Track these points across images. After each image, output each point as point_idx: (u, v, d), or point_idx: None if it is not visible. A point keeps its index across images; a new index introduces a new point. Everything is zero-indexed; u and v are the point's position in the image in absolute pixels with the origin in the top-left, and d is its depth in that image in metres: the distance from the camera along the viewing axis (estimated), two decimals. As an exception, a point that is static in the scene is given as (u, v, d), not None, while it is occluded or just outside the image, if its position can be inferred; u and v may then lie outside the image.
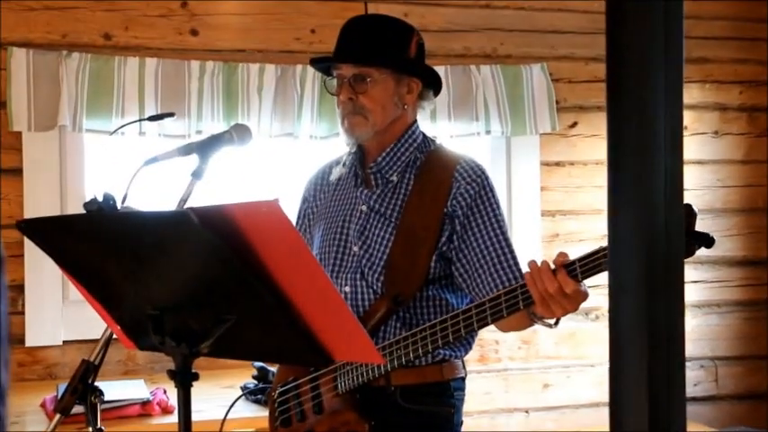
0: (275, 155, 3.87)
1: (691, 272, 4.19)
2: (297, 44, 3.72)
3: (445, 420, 2.20)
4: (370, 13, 3.74)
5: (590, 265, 1.79)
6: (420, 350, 2.01)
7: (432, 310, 2.12)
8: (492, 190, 2.18)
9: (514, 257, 2.13)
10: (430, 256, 2.12)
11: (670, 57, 0.80)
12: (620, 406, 0.83)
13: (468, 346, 2.24)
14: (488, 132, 3.88)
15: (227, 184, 3.74)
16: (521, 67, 3.91)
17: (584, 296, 1.87)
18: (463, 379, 2.25)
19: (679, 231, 0.82)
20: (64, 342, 3.49)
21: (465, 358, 3.97)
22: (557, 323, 1.95)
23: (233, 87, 3.60)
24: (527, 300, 1.86)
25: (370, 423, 2.10)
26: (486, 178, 2.18)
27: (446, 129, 3.84)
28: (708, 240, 1.63)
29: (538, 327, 4.11)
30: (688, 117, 4.20)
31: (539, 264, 1.86)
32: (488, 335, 3.94)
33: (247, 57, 3.67)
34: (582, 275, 1.81)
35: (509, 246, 2.14)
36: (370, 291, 2.15)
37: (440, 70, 3.75)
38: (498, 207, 2.18)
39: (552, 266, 1.85)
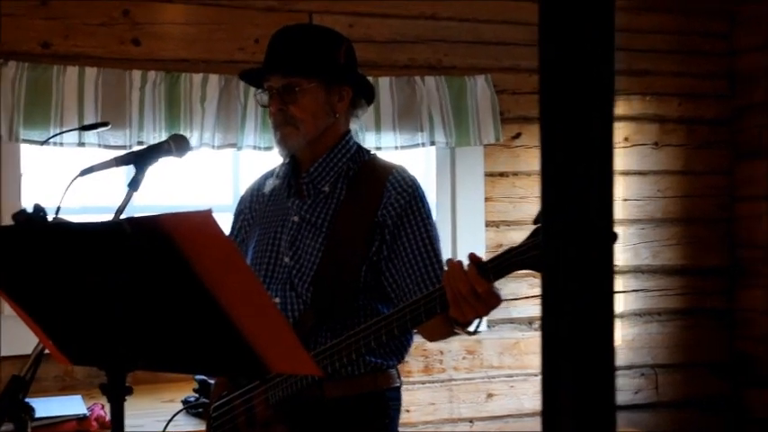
0: (221, 166, 3.84)
1: (631, 281, 4.24)
2: (241, 54, 3.68)
3: (378, 429, 2.17)
4: (305, 23, 3.71)
5: (500, 265, 1.77)
6: (345, 358, 1.97)
7: (363, 321, 2.08)
8: (423, 200, 2.17)
9: (442, 268, 2.11)
10: (360, 265, 2.10)
11: (602, 66, 0.80)
12: (551, 413, 0.83)
13: (399, 355, 2.21)
14: (433, 143, 3.88)
15: (171, 196, 3.70)
16: (465, 78, 3.91)
17: (497, 299, 1.82)
18: (398, 388, 2.23)
19: (608, 235, 0.82)
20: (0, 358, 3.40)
21: (409, 369, 3.97)
22: (476, 331, 1.92)
23: (175, 97, 3.54)
24: (444, 304, 1.82)
25: None
26: (417, 189, 2.17)
27: (391, 140, 3.82)
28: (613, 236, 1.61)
29: (482, 338, 4.12)
30: (629, 128, 4.25)
31: (455, 263, 1.82)
32: (432, 345, 3.93)
33: (190, 67, 3.62)
34: (493, 275, 1.78)
35: (437, 256, 2.12)
36: (300, 301, 2.13)
37: (385, 81, 3.79)
38: (429, 218, 2.16)
39: (465, 265, 1.80)
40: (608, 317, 0.82)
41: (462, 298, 1.78)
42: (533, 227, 1.74)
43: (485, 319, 1.91)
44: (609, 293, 0.82)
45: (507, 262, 1.76)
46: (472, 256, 1.80)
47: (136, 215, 1.51)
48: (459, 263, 1.81)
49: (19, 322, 1.74)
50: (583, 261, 0.80)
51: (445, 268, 1.89)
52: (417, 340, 3.83)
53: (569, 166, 0.82)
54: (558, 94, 0.83)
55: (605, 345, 0.81)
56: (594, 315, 0.81)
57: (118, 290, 1.51)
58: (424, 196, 2.19)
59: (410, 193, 2.15)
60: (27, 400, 1.87)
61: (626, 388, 4.22)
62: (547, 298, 0.85)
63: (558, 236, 0.83)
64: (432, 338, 2.22)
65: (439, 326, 1.98)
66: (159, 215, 1.36)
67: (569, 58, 0.80)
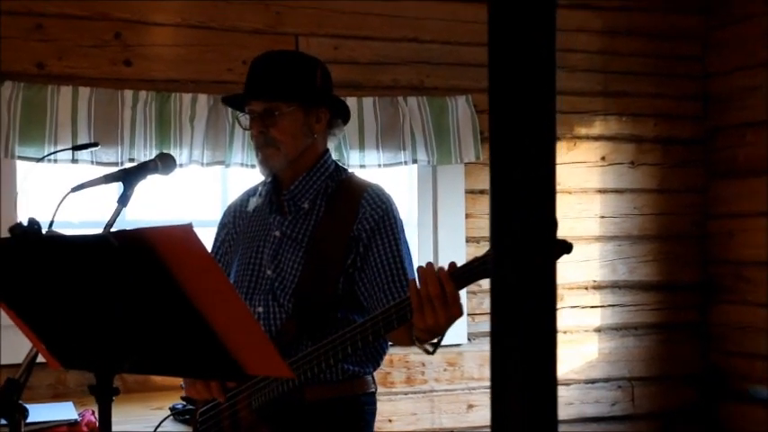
0: (209, 182, 3.97)
1: (608, 296, 4.36)
2: (229, 75, 3.81)
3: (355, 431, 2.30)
4: (299, 46, 3.86)
5: (466, 273, 1.91)
6: (323, 364, 2.08)
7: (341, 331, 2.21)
8: (395, 217, 2.30)
9: (407, 280, 2.22)
10: (338, 277, 2.23)
11: (544, 87, 0.89)
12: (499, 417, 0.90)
13: (375, 362, 2.34)
14: (415, 161, 4.01)
15: (163, 211, 3.83)
16: (446, 98, 4.04)
17: (459, 309, 1.93)
18: (373, 394, 2.35)
19: (550, 244, 0.90)
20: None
21: (392, 380, 4.09)
22: (434, 350, 2.03)
23: (165, 116, 3.67)
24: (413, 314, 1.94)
25: None
26: (391, 206, 2.30)
27: (374, 158, 3.96)
28: (567, 247, 1.74)
29: (463, 350, 4.22)
30: (606, 148, 4.39)
31: (426, 265, 1.94)
32: (415, 357, 4.05)
33: (180, 87, 3.74)
34: (459, 281, 1.91)
35: (404, 269, 2.25)
36: (282, 311, 2.25)
37: (368, 101, 3.93)
38: (400, 233, 2.29)
39: (437, 268, 1.92)
40: (550, 313, 0.90)
41: (428, 300, 1.90)
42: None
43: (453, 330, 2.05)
44: (551, 297, 0.91)
45: (472, 270, 1.90)
46: (451, 264, 1.94)
47: (124, 228, 1.64)
48: (431, 264, 1.94)
49: (17, 332, 1.86)
50: (526, 267, 0.90)
51: (414, 275, 2.02)
52: (400, 352, 3.97)
53: (515, 181, 0.92)
54: (504, 116, 0.93)
55: (548, 342, 0.90)
56: (537, 313, 0.90)
57: (105, 297, 1.62)
58: (397, 213, 2.32)
59: (384, 209, 2.28)
60: (21, 402, 1.99)
61: (603, 400, 4.34)
62: (495, 301, 0.94)
63: (504, 245, 0.94)
64: (397, 343, 2.33)
65: (403, 334, 2.10)
66: (143, 228, 1.49)
67: (514, 85, 0.91)
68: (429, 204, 4.15)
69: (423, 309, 1.91)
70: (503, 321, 0.87)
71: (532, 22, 0.85)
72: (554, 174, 0.91)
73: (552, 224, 0.94)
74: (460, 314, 1.95)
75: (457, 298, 1.92)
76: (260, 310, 2.27)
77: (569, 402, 4.24)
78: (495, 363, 0.87)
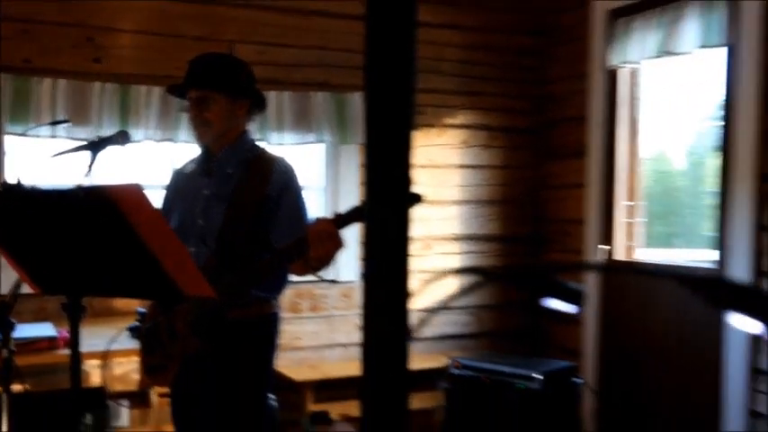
0: (160, 154, 4.00)
1: (465, 245, 4.56)
2: (177, 71, 3.71)
3: (263, 342, 2.42)
4: (233, 51, 3.91)
5: (345, 217, 2.05)
6: (238, 289, 2.20)
7: None
8: (296, 181, 2.39)
9: (306, 226, 2.31)
10: (253, 226, 2.32)
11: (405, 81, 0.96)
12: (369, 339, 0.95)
13: (278, 290, 2.43)
14: (322, 141, 4.12)
15: (125, 176, 3.85)
16: (346, 94, 4.15)
17: (340, 242, 2.07)
18: (277, 314, 2.44)
19: (404, 198, 0.94)
20: None
21: (301, 308, 4.19)
22: (322, 279, 2.16)
23: (126, 103, 3.70)
24: (308, 246, 2.08)
25: (208, 345, 2.30)
26: (293, 172, 2.40)
27: (290, 138, 4.06)
28: (417, 197, 1.74)
29: (355, 286, 4.33)
30: (466, 134, 4.56)
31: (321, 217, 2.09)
32: (319, 291, 4.18)
33: (138, 80, 3.76)
34: (341, 222, 2.05)
35: (304, 219, 2.35)
36: (209, 251, 2.34)
37: (286, 94, 4.01)
38: (301, 193, 2.39)
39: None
40: (402, 246, 0.87)
41: (318, 236, 2.04)
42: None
43: (331, 270, 2.18)
44: (404, 234, 0.93)
45: (349, 214, 2.05)
46: (335, 213, 2.09)
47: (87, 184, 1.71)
48: (324, 217, 2.09)
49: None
50: (388, 212, 0.98)
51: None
52: (307, 287, 4.09)
53: (382, 149, 0.98)
54: (375, 104, 0.99)
55: (401, 263, 0.85)
56: (395, 245, 0.91)
57: (74, 236, 1.68)
58: (297, 178, 2.42)
59: (289, 175, 2.39)
60: (9, 318, 2.05)
61: (459, 323, 4.55)
62: (366, 235, 1.00)
63: (373, 196, 1.00)
64: (297, 274, 2.38)
65: (302, 267, 2.23)
66: (104, 185, 1.59)
67: (384, 80, 0.99)
68: (332, 174, 4.26)
69: (316, 243, 2.05)
70: (370, 249, 0.88)
71: (398, 38, 0.92)
72: (410, 145, 0.94)
73: (407, 181, 1.01)
74: (341, 245, 2.08)
75: (338, 233, 2.06)
76: (192, 249, 2.34)
77: (434, 325, 4.44)
78: (366, 281, 0.87)
